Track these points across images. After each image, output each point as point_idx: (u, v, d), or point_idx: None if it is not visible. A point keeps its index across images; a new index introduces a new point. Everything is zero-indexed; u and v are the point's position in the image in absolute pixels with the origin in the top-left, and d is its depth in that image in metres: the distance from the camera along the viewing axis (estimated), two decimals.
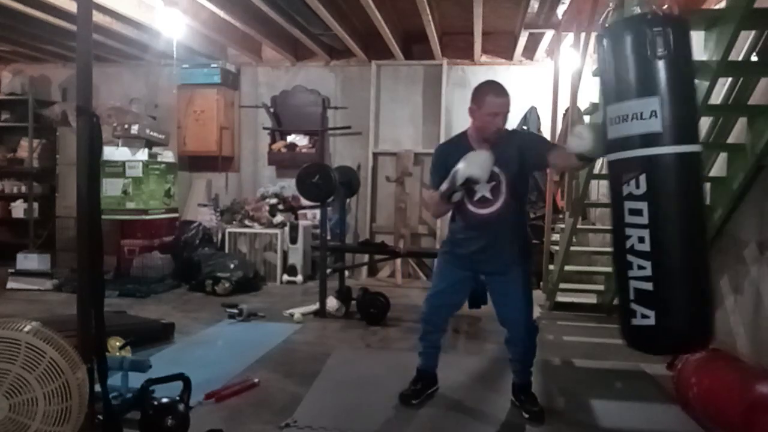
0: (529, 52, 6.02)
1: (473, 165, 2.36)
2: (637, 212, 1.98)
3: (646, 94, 1.96)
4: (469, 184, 2.43)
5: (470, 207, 2.62)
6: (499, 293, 2.72)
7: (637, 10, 2.21)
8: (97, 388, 2.10)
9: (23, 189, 6.68)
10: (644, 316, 1.99)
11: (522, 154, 2.57)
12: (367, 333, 4.12)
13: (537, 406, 2.72)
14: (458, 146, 2.63)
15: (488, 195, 2.58)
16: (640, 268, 1.98)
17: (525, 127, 6.01)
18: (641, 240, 1.98)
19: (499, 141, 2.57)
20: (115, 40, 5.67)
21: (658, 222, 1.97)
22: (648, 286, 1.98)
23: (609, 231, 4.63)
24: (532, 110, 6.02)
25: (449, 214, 2.74)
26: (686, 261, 2.03)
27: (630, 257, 2.00)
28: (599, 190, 5.95)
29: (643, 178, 1.96)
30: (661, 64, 1.94)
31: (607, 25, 2.24)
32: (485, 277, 2.77)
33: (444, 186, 2.47)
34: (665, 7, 2.06)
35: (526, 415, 2.70)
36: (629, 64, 1.99)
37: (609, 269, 4.71)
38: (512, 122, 6.08)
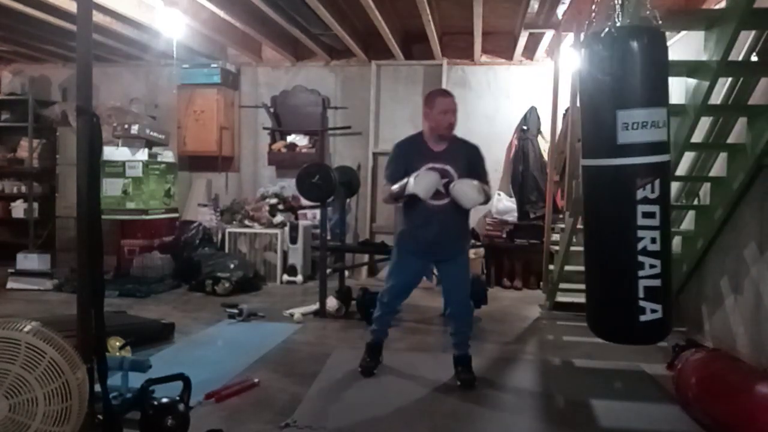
0: (529, 52, 6.02)
1: (419, 186, 2.80)
2: (651, 215, 2.11)
3: (662, 104, 2.11)
4: (413, 198, 2.86)
5: (429, 201, 2.92)
6: (449, 276, 3.14)
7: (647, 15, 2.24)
8: (97, 388, 2.10)
9: (23, 189, 6.68)
10: (653, 311, 2.13)
11: (468, 163, 3.00)
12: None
13: (470, 374, 3.10)
14: (414, 145, 3.09)
15: (441, 189, 2.91)
16: (651, 267, 2.12)
17: (525, 128, 6.02)
18: (653, 241, 2.12)
19: (454, 144, 3.03)
20: (115, 40, 5.67)
21: (666, 224, 2.15)
22: (657, 282, 2.13)
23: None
24: (532, 110, 6.02)
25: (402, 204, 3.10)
26: (670, 258, 2.26)
27: (642, 258, 2.12)
28: None
29: (657, 183, 2.11)
30: (666, 75, 2.14)
31: (628, 25, 2.25)
32: (437, 263, 3.19)
33: (396, 187, 2.94)
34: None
35: (458, 383, 3.07)
36: (656, 72, 2.12)
37: None
38: (512, 122, 6.11)
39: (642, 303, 2.13)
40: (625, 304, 2.22)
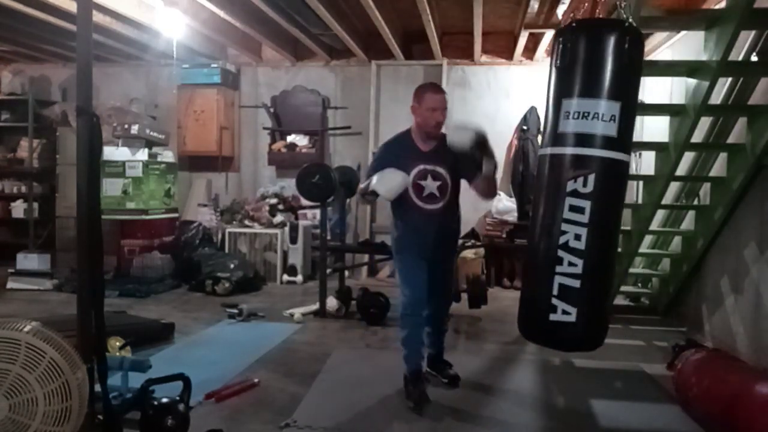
0: (529, 52, 6.03)
1: (381, 184, 2.64)
2: (579, 210, 2.01)
3: (613, 98, 2.01)
4: (377, 195, 2.70)
5: (419, 203, 2.82)
6: (436, 277, 2.93)
7: (621, 14, 2.23)
8: (97, 388, 2.10)
9: (23, 189, 6.68)
10: (565, 312, 2.01)
11: (457, 162, 2.81)
12: (367, 333, 4.12)
13: (452, 370, 3.07)
14: (401, 144, 2.91)
15: (436, 192, 2.81)
16: (571, 264, 2.01)
17: (525, 128, 6.01)
18: (577, 238, 2.00)
19: (444, 141, 2.74)
20: (115, 40, 5.67)
21: (596, 222, 2.01)
22: (575, 283, 2.01)
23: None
24: (532, 110, 6.02)
25: (397, 209, 2.92)
26: (608, 262, 2.12)
27: (562, 253, 2.02)
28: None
29: (592, 177, 2.00)
30: (626, 72, 2.01)
31: (584, 20, 2.26)
32: (429, 264, 2.92)
33: (362, 186, 2.82)
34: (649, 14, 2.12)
35: (445, 380, 3.03)
36: (605, 65, 2.02)
37: None
38: (512, 122, 6.11)
39: (555, 301, 2.02)
40: (535, 296, 2.14)
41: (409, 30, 5.96)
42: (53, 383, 1.88)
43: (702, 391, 2.62)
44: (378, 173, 2.68)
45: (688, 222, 4.22)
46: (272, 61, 6.64)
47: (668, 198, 4.08)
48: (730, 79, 3.51)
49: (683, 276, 4.15)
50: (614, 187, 2.07)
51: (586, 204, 1.99)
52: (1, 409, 1.84)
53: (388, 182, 2.64)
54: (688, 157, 3.89)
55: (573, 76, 2.09)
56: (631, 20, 2.12)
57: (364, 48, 6.13)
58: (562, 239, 2.02)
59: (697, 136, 3.48)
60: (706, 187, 3.86)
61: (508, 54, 6.16)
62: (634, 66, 2.04)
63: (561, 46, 2.14)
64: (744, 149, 3.27)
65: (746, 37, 3.27)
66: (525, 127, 6.02)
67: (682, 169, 3.82)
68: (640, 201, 4.26)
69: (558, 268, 2.02)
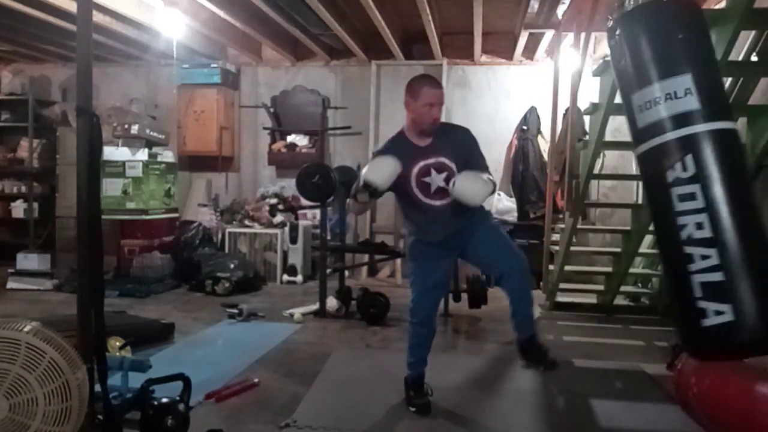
0: (529, 52, 6.02)
1: (372, 172, 2.41)
2: (690, 196, 1.81)
3: (676, 73, 1.86)
4: (369, 188, 2.43)
5: (427, 200, 2.62)
6: (483, 243, 2.68)
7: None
8: (97, 388, 2.10)
9: (23, 189, 6.68)
10: (718, 313, 1.76)
11: (464, 151, 2.63)
12: (367, 333, 4.12)
13: (548, 355, 2.67)
14: (398, 146, 2.66)
15: (444, 185, 2.57)
16: (704, 258, 1.78)
17: (525, 128, 6.01)
18: (699, 226, 1.79)
19: (441, 133, 2.63)
20: (115, 40, 5.67)
21: (715, 203, 1.78)
22: (718, 276, 1.77)
23: (618, 231, 4.63)
24: (532, 110, 6.02)
25: (413, 213, 2.75)
26: (751, 242, 1.81)
27: (689, 248, 1.81)
28: (599, 190, 5.96)
29: (689, 158, 1.81)
30: (684, 43, 1.87)
31: (617, 16, 2.19)
32: (464, 248, 2.71)
33: (353, 187, 2.55)
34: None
35: (541, 368, 2.71)
36: (655, 46, 1.89)
37: (609, 269, 4.72)
38: (512, 122, 6.11)
39: (701, 303, 1.79)
40: (681, 306, 1.92)
41: (409, 30, 5.96)
42: (53, 383, 1.88)
43: (702, 391, 2.62)
44: (366, 167, 2.48)
45: None
46: (272, 61, 6.64)
47: None
48: (730, 79, 3.51)
49: None
50: (721, 159, 1.82)
51: (695, 188, 1.80)
52: (1, 409, 1.84)
53: (378, 168, 2.43)
54: None
55: (629, 69, 1.99)
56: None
57: (364, 48, 6.13)
58: (683, 234, 1.82)
59: None
60: None
61: (508, 54, 6.16)
62: (690, 35, 1.88)
63: (610, 44, 2.07)
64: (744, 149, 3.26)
65: (746, 37, 3.27)
66: (525, 127, 6.02)
67: None
68: (640, 201, 4.26)
69: (691, 266, 1.81)
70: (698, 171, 1.81)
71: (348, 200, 2.59)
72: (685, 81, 1.84)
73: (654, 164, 1.92)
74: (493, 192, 2.55)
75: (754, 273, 1.77)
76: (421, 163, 2.61)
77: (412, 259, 2.80)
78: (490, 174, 2.60)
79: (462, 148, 2.65)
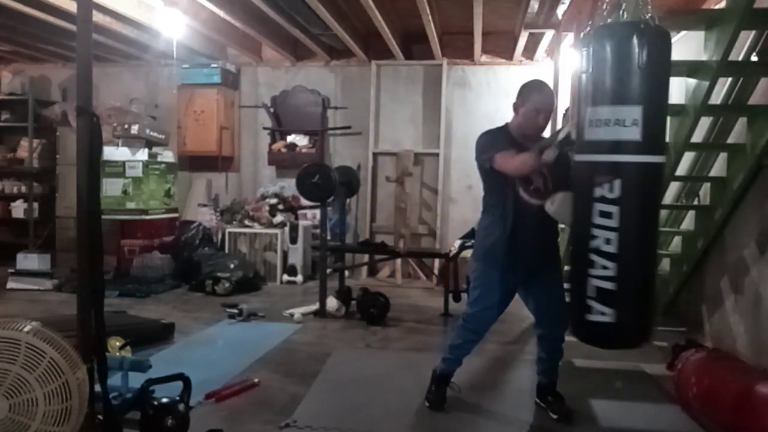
0: (529, 52, 6.02)
1: (568, 129, 2.30)
2: (607, 215, 2.04)
3: (631, 103, 2.01)
4: (566, 145, 2.32)
5: (526, 196, 2.54)
6: (542, 289, 2.66)
7: (641, 13, 2.20)
8: (97, 388, 2.10)
9: (23, 189, 6.68)
10: (602, 314, 2.07)
11: (563, 169, 2.47)
12: (367, 333, 4.12)
13: (565, 405, 2.72)
14: (503, 136, 2.64)
15: (541, 187, 2.54)
16: (604, 268, 2.06)
17: None
18: (608, 242, 2.05)
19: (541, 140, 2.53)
20: (115, 40, 5.67)
21: (626, 226, 2.04)
22: (610, 285, 2.05)
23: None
24: None
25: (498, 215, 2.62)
26: (646, 264, 2.15)
27: (593, 256, 2.08)
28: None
29: (618, 183, 2.02)
30: (645, 75, 1.99)
31: (601, 25, 2.23)
32: (530, 277, 2.64)
33: (541, 144, 2.41)
34: (651, 16, 2.06)
35: (555, 416, 2.70)
36: (619, 70, 2.02)
37: None
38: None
39: (590, 302, 2.09)
40: (574, 297, 2.22)
41: (409, 30, 5.96)
42: (53, 383, 1.88)
43: (702, 391, 2.62)
44: (563, 127, 2.36)
45: (688, 222, 4.22)
46: (272, 61, 6.64)
47: (668, 198, 4.08)
48: (730, 79, 3.51)
49: (683, 276, 4.15)
50: (643, 190, 2.07)
51: (614, 209, 2.03)
52: (1, 409, 1.84)
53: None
54: (688, 157, 3.89)
55: (591, 83, 2.11)
56: (649, 18, 2.08)
57: (364, 48, 6.13)
58: (592, 243, 2.08)
59: (697, 136, 3.48)
60: (706, 187, 3.86)
61: (508, 54, 6.16)
62: (653, 67, 2.00)
63: (583, 52, 2.15)
64: (744, 149, 3.26)
65: (746, 37, 3.27)
66: None
67: (682, 169, 3.82)
68: None
69: (592, 271, 2.08)
70: (621, 196, 2.02)
71: (520, 161, 2.45)
72: (634, 112, 2.00)
73: (587, 175, 2.12)
74: None
75: (638, 292, 2.12)
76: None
77: (483, 259, 2.68)
78: None
79: (562, 166, 2.48)
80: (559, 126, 5.05)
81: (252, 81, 6.74)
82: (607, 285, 2.05)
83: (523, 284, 2.68)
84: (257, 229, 5.98)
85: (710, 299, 3.87)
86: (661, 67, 2.06)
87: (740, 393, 2.39)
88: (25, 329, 1.92)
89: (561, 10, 4.75)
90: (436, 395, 2.78)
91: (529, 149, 2.46)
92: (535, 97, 2.57)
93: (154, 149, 5.89)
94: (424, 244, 6.39)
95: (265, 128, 6.62)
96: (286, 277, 5.86)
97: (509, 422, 2.70)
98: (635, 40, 1.99)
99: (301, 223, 5.99)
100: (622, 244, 2.03)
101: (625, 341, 2.25)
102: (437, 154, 6.31)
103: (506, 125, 2.70)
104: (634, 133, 1.99)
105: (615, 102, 2.03)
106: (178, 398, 2.41)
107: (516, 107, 2.64)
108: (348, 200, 5.85)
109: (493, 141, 2.63)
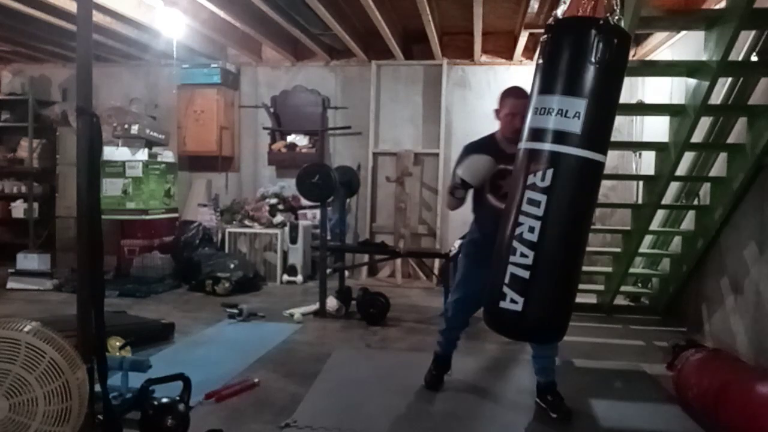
0: (529, 52, 6.02)
1: (466, 169, 2.63)
2: (535, 203, 2.02)
3: (576, 95, 2.00)
4: (464, 185, 2.68)
5: (496, 202, 2.70)
6: None
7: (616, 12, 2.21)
8: (97, 388, 2.10)
9: (23, 189, 6.68)
10: (513, 301, 2.04)
11: None
12: (367, 333, 4.12)
13: (564, 405, 2.76)
14: (485, 146, 2.83)
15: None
16: (523, 255, 2.03)
17: None
18: (531, 230, 2.02)
19: None
20: (115, 40, 5.67)
21: (551, 217, 2.02)
22: (525, 274, 2.03)
23: (618, 231, 4.64)
24: None
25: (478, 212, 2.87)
26: (565, 259, 2.09)
27: (515, 243, 2.05)
28: (599, 190, 5.94)
29: (550, 172, 2.01)
30: (594, 71, 1.98)
31: (562, 18, 2.24)
32: None
33: (450, 182, 2.75)
34: (618, 18, 2.07)
35: (554, 415, 2.73)
36: (568, 61, 2.02)
37: (609, 269, 4.72)
38: None
39: (505, 289, 2.05)
40: (493, 283, 2.16)
41: (409, 30, 5.96)
42: (53, 383, 1.88)
43: (702, 391, 2.62)
44: (461, 163, 2.67)
45: (688, 222, 4.22)
46: (272, 61, 6.64)
47: (668, 198, 4.08)
48: (730, 79, 3.51)
49: (683, 276, 4.16)
50: (575, 184, 2.05)
51: (542, 198, 2.01)
52: (1, 409, 1.84)
53: (473, 166, 2.62)
54: (688, 157, 3.89)
55: (540, 73, 2.12)
56: (615, 18, 2.08)
57: (364, 48, 6.13)
58: (517, 230, 2.06)
59: (697, 136, 3.49)
60: (706, 187, 3.86)
61: (508, 54, 6.16)
62: (606, 65, 2.00)
63: (543, 42, 2.16)
64: (744, 149, 3.27)
65: (746, 37, 3.27)
66: None
67: (682, 169, 3.83)
68: (640, 201, 4.26)
69: (512, 258, 2.06)
70: (551, 186, 2.00)
71: (446, 197, 2.86)
72: (579, 105, 1.99)
73: (524, 162, 2.09)
74: None
75: (552, 284, 2.08)
76: (501, 166, 2.69)
77: (466, 255, 2.95)
78: None
79: None
80: None
81: (252, 81, 6.74)
82: (523, 273, 2.02)
83: None
84: (257, 229, 5.98)
85: (710, 299, 3.87)
86: (615, 66, 2.04)
87: (740, 393, 2.39)
88: (25, 329, 1.92)
89: (561, 10, 4.74)
90: (434, 376, 3.02)
91: (513, 153, 2.55)
92: (508, 102, 2.76)
93: (154, 149, 5.90)
94: (424, 244, 6.39)
95: (265, 128, 6.62)
96: (286, 277, 5.86)
97: (509, 422, 2.70)
98: (592, 36, 1.98)
99: (301, 223, 5.99)
100: (544, 234, 2.00)
101: (530, 332, 2.21)
102: (437, 154, 6.31)
103: (494, 133, 2.90)
104: (574, 126, 1.99)
105: (563, 92, 2.01)
106: (178, 398, 2.41)
107: (497, 114, 2.84)
108: (348, 200, 5.85)
109: (460, 158, 2.83)
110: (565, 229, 2.07)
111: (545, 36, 2.12)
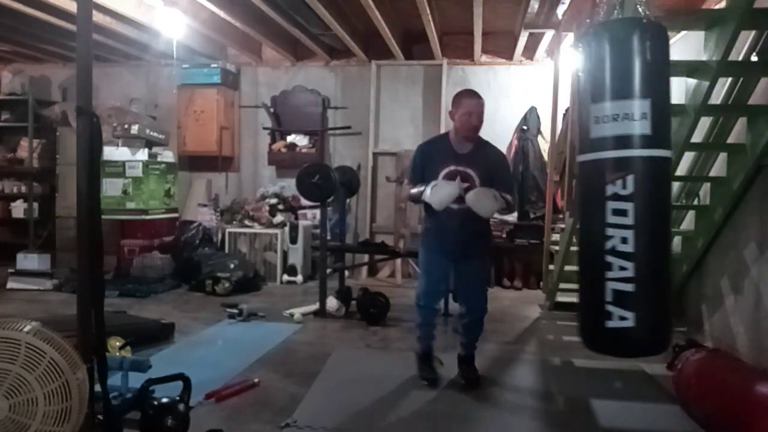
0: (529, 52, 6.03)
1: (435, 197, 2.78)
2: (622, 213, 1.97)
3: (641, 96, 1.97)
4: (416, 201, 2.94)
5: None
6: (464, 278, 3.10)
7: (639, 11, 2.21)
8: (97, 388, 2.10)
9: (23, 189, 6.68)
10: (622, 318, 1.97)
11: (492, 170, 2.95)
12: (367, 333, 4.12)
13: (475, 373, 3.11)
14: (438, 145, 3.05)
15: (462, 193, 2.82)
16: (622, 269, 1.97)
17: (525, 128, 6.01)
18: (624, 240, 1.97)
19: (478, 148, 2.97)
20: (115, 40, 5.67)
21: (641, 224, 1.97)
22: (629, 287, 1.96)
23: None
24: (532, 110, 6.02)
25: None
26: (664, 263, 2.07)
27: (610, 258, 1.99)
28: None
29: (630, 178, 1.97)
30: (650, 69, 1.99)
31: (601, 22, 2.24)
32: (455, 263, 3.06)
33: (414, 191, 2.92)
34: (648, 14, 2.08)
35: (464, 381, 3.07)
36: (624, 64, 2.00)
37: None
38: (512, 122, 6.10)
39: (609, 307, 1.97)
40: (590, 305, 2.10)
41: (409, 30, 5.96)
42: (53, 383, 1.87)
43: (702, 391, 2.62)
44: (431, 186, 2.81)
45: (688, 222, 4.22)
46: (272, 61, 6.64)
47: None
48: (730, 79, 3.51)
49: (683, 276, 4.15)
50: (657, 184, 2.02)
51: (628, 206, 1.96)
52: (1, 409, 1.84)
53: (441, 195, 2.78)
54: (688, 157, 3.89)
55: (592, 80, 2.08)
56: (647, 14, 2.09)
57: (364, 48, 6.13)
58: (608, 244, 1.99)
59: (697, 136, 3.48)
60: (706, 187, 3.85)
61: (508, 54, 6.16)
62: (658, 61, 2.00)
63: (584, 50, 2.13)
64: (744, 149, 3.26)
65: (746, 37, 3.27)
66: (525, 127, 6.02)
67: (682, 169, 3.82)
68: None
69: (609, 274, 1.99)
70: (635, 191, 1.96)
71: (404, 195, 3.20)
72: (644, 105, 1.96)
73: (597, 174, 2.05)
74: (507, 211, 2.82)
75: (657, 291, 2.03)
76: (452, 167, 2.89)
77: (422, 245, 3.14)
78: (510, 195, 2.94)
79: (491, 167, 2.96)
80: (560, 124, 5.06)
81: (252, 81, 6.74)
82: (626, 287, 1.95)
83: (453, 267, 3.09)
84: (257, 229, 5.98)
85: (710, 299, 3.87)
86: (664, 60, 2.05)
87: (740, 393, 2.39)
88: (25, 329, 1.92)
89: (561, 10, 4.75)
90: (424, 371, 3.14)
91: (463, 154, 2.94)
92: (464, 102, 2.97)
93: (154, 149, 5.89)
94: None
95: (265, 128, 6.62)
96: (286, 277, 5.86)
97: (509, 422, 2.70)
98: (639, 35, 1.97)
99: (301, 223, 5.99)
100: (639, 242, 1.95)
101: (648, 346, 2.12)
102: None
103: (447, 133, 3.08)
104: (645, 127, 1.96)
105: (626, 96, 1.98)
106: (178, 398, 2.40)
107: (452, 115, 3.01)
108: (348, 200, 5.85)
109: (414, 157, 3.05)
110: (656, 232, 2.03)
111: (585, 40, 2.10)
